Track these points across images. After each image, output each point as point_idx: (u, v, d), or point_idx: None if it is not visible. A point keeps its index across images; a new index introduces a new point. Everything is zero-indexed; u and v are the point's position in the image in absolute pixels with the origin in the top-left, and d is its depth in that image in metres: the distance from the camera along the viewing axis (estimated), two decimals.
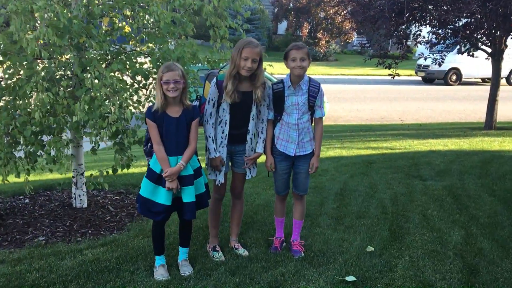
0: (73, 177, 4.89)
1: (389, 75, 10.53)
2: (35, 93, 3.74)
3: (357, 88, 19.36)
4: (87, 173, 4.98)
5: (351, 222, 4.47)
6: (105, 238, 4.18)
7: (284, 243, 3.96)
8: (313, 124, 3.73)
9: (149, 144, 3.45)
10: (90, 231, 4.40)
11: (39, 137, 4.07)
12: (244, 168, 3.71)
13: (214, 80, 3.52)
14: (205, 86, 3.65)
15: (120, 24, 4.61)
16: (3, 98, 3.94)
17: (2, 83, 3.91)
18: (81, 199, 4.94)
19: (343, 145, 8.40)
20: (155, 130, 3.30)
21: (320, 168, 6.39)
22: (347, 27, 28.24)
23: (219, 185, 3.65)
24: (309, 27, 30.88)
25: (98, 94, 3.61)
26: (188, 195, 3.38)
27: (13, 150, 4.03)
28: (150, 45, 4.50)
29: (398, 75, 10.45)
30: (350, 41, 32.15)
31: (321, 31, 30.39)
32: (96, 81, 3.57)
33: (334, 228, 4.32)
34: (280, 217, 3.95)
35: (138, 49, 4.70)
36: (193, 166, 3.45)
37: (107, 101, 3.74)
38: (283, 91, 3.59)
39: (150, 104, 3.94)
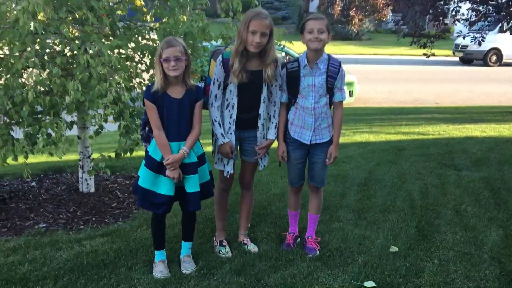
0: (79, 160, 4.63)
1: (424, 54, 9.90)
2: (30, 70, 3.45)
3: (390, 69, 18.57)
4: (95, 155, 4.71)
5: (374, 216, 4.05)
6: (107, 227, 3.92)
7: (298, 239, 3.59)
8: (331, 108, 3.31)
9: (147, 128, 3.11)
10: (94, 219, 4.15)
11: (42, 118, 3.81)
12: (253, 151, 3.32)
13: (220, 58, 3.13)
14: (210, 66, 3.26)
15: None
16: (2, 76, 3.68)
17: None
18: (88, 184, 4.69)
19: (371, 129, 7.89)
20: (154, 113, 2.96)
21: (344, 154, 5.96)
22: (381, 4, 27.15)
23: (228, 176, 3.29)
24: (341, 5, 29.86)
25: (94, 73, 3.27)
26: (192, 185, 3.04)
27: (11, 131, 3.76)
28: (164, 20, 4.14)
29: (433, 54, 9.80)
30: (384, 19, 31.01)
31: (354, 9, 29.33)
32: (91, 58, 3.23)
33: (355, 223, 3.91)
34: (294, 211, 3.57)
35: (151, 24, 4.34)
36: (197, 152, 3.11)
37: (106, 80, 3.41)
38: (299, 70, 3.17)
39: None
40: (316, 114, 3.19)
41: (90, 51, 3.37)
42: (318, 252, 3.39)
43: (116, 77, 3.35)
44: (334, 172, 5.18)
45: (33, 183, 4.99)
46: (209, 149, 3.62)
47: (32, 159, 4.03)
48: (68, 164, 5.61)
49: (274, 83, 3.20)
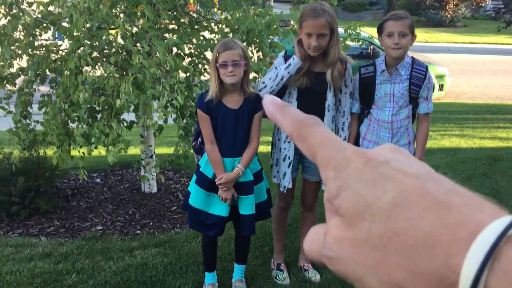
0: (142, 159, 4.47)
1: None
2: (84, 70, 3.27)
3: (487, 59, 16.95)
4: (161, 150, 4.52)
5: None
6: (163, 233, 3.70)
7: None
8: (415, 121, 2.78)
9: (199, 139, 2.78)
10: (151, 223, 3.96)
11: (100, 119, 3.65)
12: (316, 169, 2.85)
13: (282, 53, 2.72)
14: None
15: None
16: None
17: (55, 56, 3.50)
18: (149, 184, 4.52)
19: (462, 132, 7.06)
20: (208, 125, 2.62)
21: (429, 163, 5.23)
22: None
23: (285, 191, 2.89)
24: None
25: (148, 74, 3.01)
26: (247, 206, 2.68)
27: (67, 131, 3.64)
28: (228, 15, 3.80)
29: None
30: (483, 4, 28.56)
31: None
32: (143, 59, 2.97)
33: None
34: None
35: (221, 17, 4.02)
36: (253, 169, 2.74)
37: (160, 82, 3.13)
38: (374, 76, 2.67)
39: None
40: (394, 129, 2.68)
41: (144, 49, 3.10)
42: None
43: (170, 78, 3.04)
44: None
45: (98, 179, 4.93)
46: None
47: (102, 151, 3.88)
48: (136, 159, 5.51)
49: (344, 89, 2.73)
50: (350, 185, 0.32)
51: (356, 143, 2.85)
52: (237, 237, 2.93)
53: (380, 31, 2.60)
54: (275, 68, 2.71)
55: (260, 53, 3.74)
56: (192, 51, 3.67)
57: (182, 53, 3.40)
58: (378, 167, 0.32)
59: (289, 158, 2.79)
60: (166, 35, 3.71)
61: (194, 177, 2.76)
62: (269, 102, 0.39)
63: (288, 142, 2.78)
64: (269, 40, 3.74)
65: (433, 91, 2.79)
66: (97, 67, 3.45)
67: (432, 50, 17.89)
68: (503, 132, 7.04)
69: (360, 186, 0.32)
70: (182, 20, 3.75)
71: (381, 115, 2.69)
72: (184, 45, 3.40)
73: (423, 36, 22.34)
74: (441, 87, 10.14)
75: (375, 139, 2.75)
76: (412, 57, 2.67)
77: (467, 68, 14.94)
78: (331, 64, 2.58)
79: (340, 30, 4.65)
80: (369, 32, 8.86)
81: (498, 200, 4.28)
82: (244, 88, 2.62)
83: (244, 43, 3.52)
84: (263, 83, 2.70)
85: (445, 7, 27.41)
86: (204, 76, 3.92)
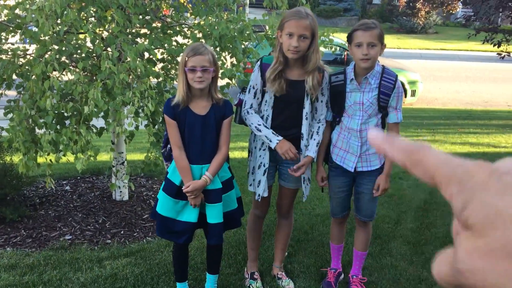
0: (112, 166, 4.37)
1: (498, 54, 8.96)
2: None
3: (458, 66, 17.32)
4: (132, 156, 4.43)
5: (434, 252, 3.44)
6: (134, 243, 3.61)
7: (342, 276, 3.11)
8: (385, 130, 2.78)
9: (169, 146, 2.73)
10: (122, 232, 3.87)
11: (69, 125, 3.54)
12: (292, 176, 2.79)
13: (258, 62, 2.69)
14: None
15: None
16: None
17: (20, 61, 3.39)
18: (121, 191, 4.42)
19: (434, 137, 7.16)
20: (175, 130, 2.56)
21: (402, 169, 5.33)
22: None
23: (259, 200, 2.85)
24: None
25: (117, 80, 2.94)
26: (215, 215, 2.63)
27: (33, 138, 3.53)
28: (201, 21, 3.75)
29: (509, 54, 8.84)
30: (454, 12, 29.22)
31: (421, 1, 27.82)
32: (112, 65, 2.89)
33: (410, 259, 3.37)
34: (337, 244, 3.09)
35: (191, 22, 3.97)
36: (222, 177, 2.69)
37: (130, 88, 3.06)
38: (344, 85, 2.66)
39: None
40: (363, 137, 2.68)
41: (114, 55, 3.03)
42: None
43: (141, 84, 2.98)
44: (389, 191, 4.59)
45: (67, 187, 4.80)
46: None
47: (71, 158, 3.76)
48: (107, 166, 5.39)
49: (320, 97, 2.72)
50: (477, 195, 0.33)
51: (327, 150, 2.84)
52: (208, 246, 2.88)
53: (349, 41, 2.59)
54: (253, 87, 2.70)
55: (234, 59, 3.71)
56: (165, 56, 3.61)
57: (154, 58, 3.33)
58: (503, 177, 0.33)
59: (264, 165, 2.76)
60: (138, 40, 3.64)
61: (163, 184, 2.70)
62: (375, 136, 0.40)
63: (263, 150, 2.75)
64: (242, 46, 3.71)
65: (405, 97, 2.79)
66: (65, 72, 3.36)
67: (404, 56, 18.17)
68: (473, 137, 7.18)
69: (488, 196, 0.32)
70: (154, 25, 3.69)
71: (351, 123, 2.68)
72: (156, 51, 3.33)
73: (395, 42, 22.70)
74: (413, 93, 10.28)
75: (345, 147, 2.74)
76: (382, 65, 2.67)
77: (439, 74, 15.22)
78: (310, 71, 2.56)
79: None
80: (344, 38, 8.92)
81: None
82: (212, 94, 2.58)
83: (217, 49, 3.48)
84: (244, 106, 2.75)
85: (417, 14, 27.93)
86: (177, 81, 3.87)
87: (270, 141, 2.64)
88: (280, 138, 2.64)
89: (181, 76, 2.52)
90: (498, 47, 8.54)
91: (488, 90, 12.99)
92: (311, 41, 2.52)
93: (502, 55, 8.56)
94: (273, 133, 2.65)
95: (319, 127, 2.79)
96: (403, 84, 8.16)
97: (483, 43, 8.82)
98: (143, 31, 3.79)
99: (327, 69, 2.72)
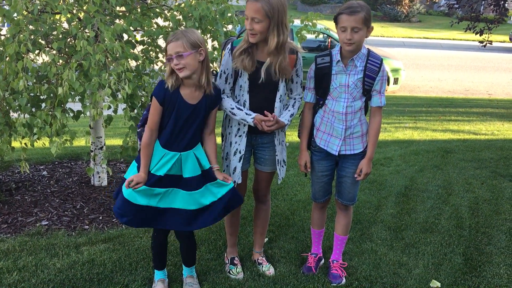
0: (91, 151, 4.28)
1: (480, 42, 9.02)
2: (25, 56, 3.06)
3: (440, 54, 17.45)
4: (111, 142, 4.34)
5: (413, 237, 3.49)
6: (112, 229, 3.55)
7: (322, 261, 3.10)
8: (367, 114, 2.75)
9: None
10: (101, 217, 3.79)
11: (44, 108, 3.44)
12: (268, 160, 2.78)
13: (229, 46, 2.63)
14: (221, 58, 2.76)
15: None
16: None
17: None
18: (99, 177, 4.34)
19: (416, 124, 7.20)
20: (157, 114, 2.48)
21: (383, 155, 5.37)
22: None
23: (235, 186, 2.80)
24: None
25: (93, 61, 2.85)
26: (189, 202, 2.55)
27: (7, 121, 3.42)
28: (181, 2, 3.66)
29: (490, 43, 8.91)
30: (437, 0, 29.36)
31: None
32: (88, 45, 2.80)
33: (390, 244, 3.37)
34: (318, 229, 3.07)
35: (171, 3, 3.87)
36: (205, 165, 2.62)
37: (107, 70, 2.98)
38: (330, 67, 2.63)
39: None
40: (347, 120, 2.65)
41: (90, 35, 2.93)
42: (343, 280, 2.90)
43: (118, 66, 2.89)
44: (370, 177, 4.61)
45: (44, 172, 4.70)
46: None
47: (47, 142, 3.65)
48: (86, 151, 5.29)
49: (295, 79, 2.69)
50: None
51: (310, 134, 2.81)
52: (181, 245, 2.81)
53: (335, 23, 2.55)
54: (224, 72, 2.65)
55: (216, 42, 3.64)
56: (145, 38, 3.52)
57: (133, 40, 3.24)
58: None
59: (240, 152, 2.72)
60: (117, 21, 3.54)
61: (134, 165, 2.61)
62: None
63: (239, 136, 2.71)
64: (224, 29, 3.64)
65: (388, 85, 2.78)
66: (40, 54, 3.25)
67: (387, 44, 18.22)
68: (454, 125, 7.23)
69: None
70: (132, 6, 3.59)
71: (336, 106, 2.65)
72: (136, 33, 3.24)
73: (379, 30, 22.74)
74: (396, 81, 10.31)
75: (329, 130, 2.71)
76: (368, 48, 2.63)
77: (421, 62, 15.31)
78: (272, 53, 2.52)
79: (297, 21, 4.60)
80: (327, 25, 8.89)
81: (449, 191, 4.37)
82: (201, 82, 2.48)
83: (198, 31, 3.40)
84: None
85: (400, 3, 28.01)
86: (157, 64, 3.78)
87: (246, 121, 2.62)
88: (253, 114, 2.61)
89: (168, 65, 2.45)
90: (480, 35, 8.58)
91: (469, 78, 13.11)
92: (270, 24, 2.47)
93: (484, 43, 8.61)
94: (246, 113, 2.62)
95: (294, 102, 2.78)
96: None
97: (465, 31, 8.86)
98: (122, 10, 3.69)
99: (300, 50, 2.68)
